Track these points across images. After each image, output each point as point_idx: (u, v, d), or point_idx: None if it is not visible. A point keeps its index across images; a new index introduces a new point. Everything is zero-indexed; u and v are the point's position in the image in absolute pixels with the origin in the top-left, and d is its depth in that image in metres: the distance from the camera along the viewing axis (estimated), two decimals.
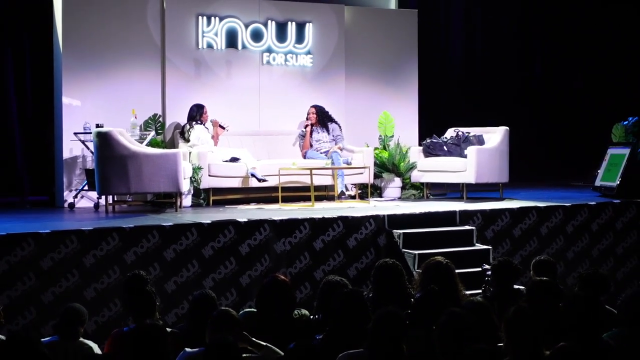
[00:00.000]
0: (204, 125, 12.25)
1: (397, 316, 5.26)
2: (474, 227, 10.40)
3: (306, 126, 13.06)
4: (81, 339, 6.41)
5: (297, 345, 5.19)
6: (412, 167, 12.89)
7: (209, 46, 12.84)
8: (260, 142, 13.00)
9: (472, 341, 5.02)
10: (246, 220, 9.34)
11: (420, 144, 13.29)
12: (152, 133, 12.12)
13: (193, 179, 11.51)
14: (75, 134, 11.72)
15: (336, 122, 13.16)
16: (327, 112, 13.15)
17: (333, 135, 13.00)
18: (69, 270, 8.29)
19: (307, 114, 13.11)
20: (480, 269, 8.98)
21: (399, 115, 13.95)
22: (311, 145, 12.97)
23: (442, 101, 16.75)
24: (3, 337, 5.79)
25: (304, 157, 12.91)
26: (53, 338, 6.38)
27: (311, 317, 6.66)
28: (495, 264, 7.65)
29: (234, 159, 12.00)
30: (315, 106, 13.13)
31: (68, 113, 11.93)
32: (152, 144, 11.85)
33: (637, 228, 11.57)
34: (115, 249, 8.55)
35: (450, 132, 13.01)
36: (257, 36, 13.15)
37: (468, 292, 7.42)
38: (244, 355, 5.36)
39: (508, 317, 5.21)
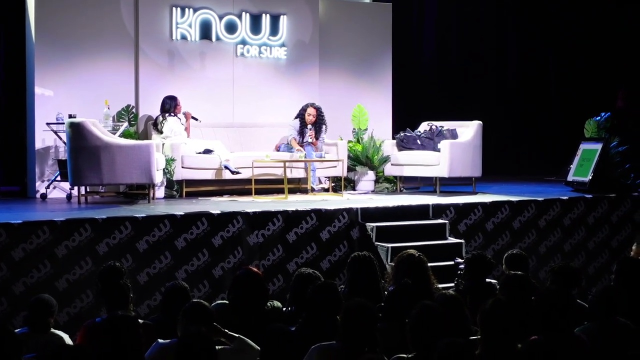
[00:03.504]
0: (177, 116, 12.19)
1: (366, 307, 5.28)
2: (446, 221, 10.43)
3: (310, 128, 12.56)
4: (52, 330, 6.38)
5: (274, 328, 5.23)
6: (386, 160, 12.89)
7: (183, 37, 12.77)
8: (234, 134, 12.96)
9: (445, 334, 5.03)
10: (219, 212, 9.33)
11: (394, 138, 13.30)
12: (125, 124, 12.06)
13: (166, 171, 11.47)
14: (48, 124, 11.64)
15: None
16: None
17: (319, 137, 12.64)
18: (40, 261, 8.25)
19: (307, 114, 12.61)
20: (452, 262, 9.01)
21: (373, 108, 13.95)
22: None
23: (416, 95, 16.79)
24: None
25: (277, 149, 12.86)
26: (23, 329, 6.34)
27: (284, 309, 6.67)
28: (468, 258, 7.69)
29: (208, 151, 11.97)
30: (317, 108, 12.69)
31: (40, 103, 11.83)
32: (125, 135, 11.79)
33: (608, 223, 11.65)
34: (88, 240, 8.51)
35: (423, 126, 13.04)
36: (231, 28, 13.09)
37: (441, 286, 7.44)
38: (217, 347, 5.35)
39: (485, 310, 5.23)
